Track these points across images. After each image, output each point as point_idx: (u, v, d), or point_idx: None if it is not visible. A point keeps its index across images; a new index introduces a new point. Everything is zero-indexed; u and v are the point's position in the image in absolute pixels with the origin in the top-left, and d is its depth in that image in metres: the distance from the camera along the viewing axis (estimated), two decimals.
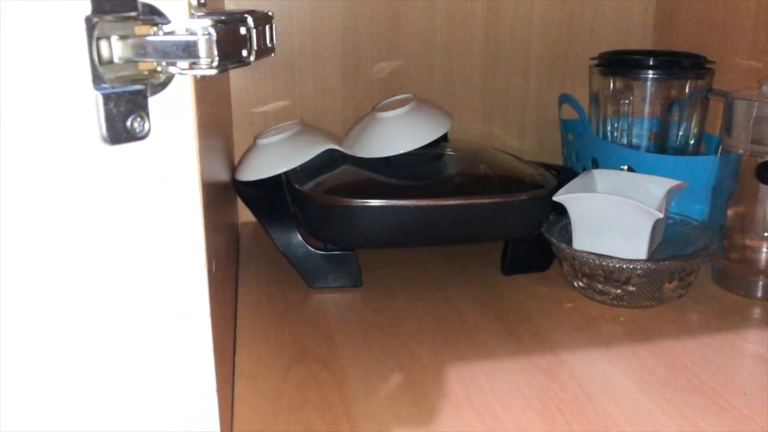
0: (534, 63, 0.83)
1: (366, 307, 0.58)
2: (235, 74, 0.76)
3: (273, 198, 0.64)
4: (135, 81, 0.23)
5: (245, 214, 0.78)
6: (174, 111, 0.25)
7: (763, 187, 0.59)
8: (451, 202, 0.59)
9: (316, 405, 0.43)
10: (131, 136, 0.23)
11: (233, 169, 0.68)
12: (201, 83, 0.32)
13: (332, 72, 0.78)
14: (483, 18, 0.80)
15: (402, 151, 0.64)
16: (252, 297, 0.59)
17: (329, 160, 0.65)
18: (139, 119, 0.23)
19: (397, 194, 0.58)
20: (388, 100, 0.70)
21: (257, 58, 0.27)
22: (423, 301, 0.59)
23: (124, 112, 0.23)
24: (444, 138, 0.74)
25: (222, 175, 0.52)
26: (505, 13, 0.80)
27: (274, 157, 0.64)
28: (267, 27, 0.29)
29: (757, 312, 0.57)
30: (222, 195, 0.49)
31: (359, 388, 0.45)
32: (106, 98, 0.22)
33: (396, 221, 0.58)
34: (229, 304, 0.46)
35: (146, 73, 0.24)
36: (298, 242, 0.61)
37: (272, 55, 0.29)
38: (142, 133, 0.24)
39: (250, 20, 0.26)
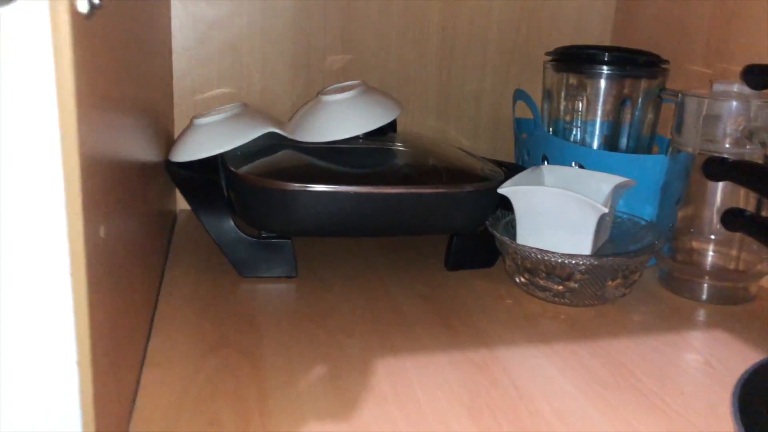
0: (491, 59, 0.81)
1: (299, 299, 0.55)
2: (177, 56, 0.73)
3: (206, 181, 0.60)
4: None
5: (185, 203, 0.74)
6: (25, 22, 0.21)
7: (710, 188, 0.58)
8: (394, 191, 0.56)
9: (228, 396, 0.40)
10: None
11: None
12: (95, 42, 0.29)
13: (281, 59, 0.75)
14: (440, 11, 0.78)
15: (346, 136, 0.61)
16: (177, 284, 0.56)
17: (269, 144, 0.62)
18: None
19: (338, 180, 0.55)
20: (335, 86, 0.67)
21: None
22: (360, 293, 0.56)
23: None
24: (393, 129, 0.71)
25: (144, 154, 0.49)
26: (463, 7, 0.78)
27: (210, 138, 0.61)
28: None
29: (701, 314, 0.56)
30: (139, 174, 0.46)
31: (278, 380, 0.42)
32: None
33: (335, 208, 0.55)
34: (138, 287, 0.43)
35: None
36: (229, 228, 0.58)
37: None
38: None
39: None
